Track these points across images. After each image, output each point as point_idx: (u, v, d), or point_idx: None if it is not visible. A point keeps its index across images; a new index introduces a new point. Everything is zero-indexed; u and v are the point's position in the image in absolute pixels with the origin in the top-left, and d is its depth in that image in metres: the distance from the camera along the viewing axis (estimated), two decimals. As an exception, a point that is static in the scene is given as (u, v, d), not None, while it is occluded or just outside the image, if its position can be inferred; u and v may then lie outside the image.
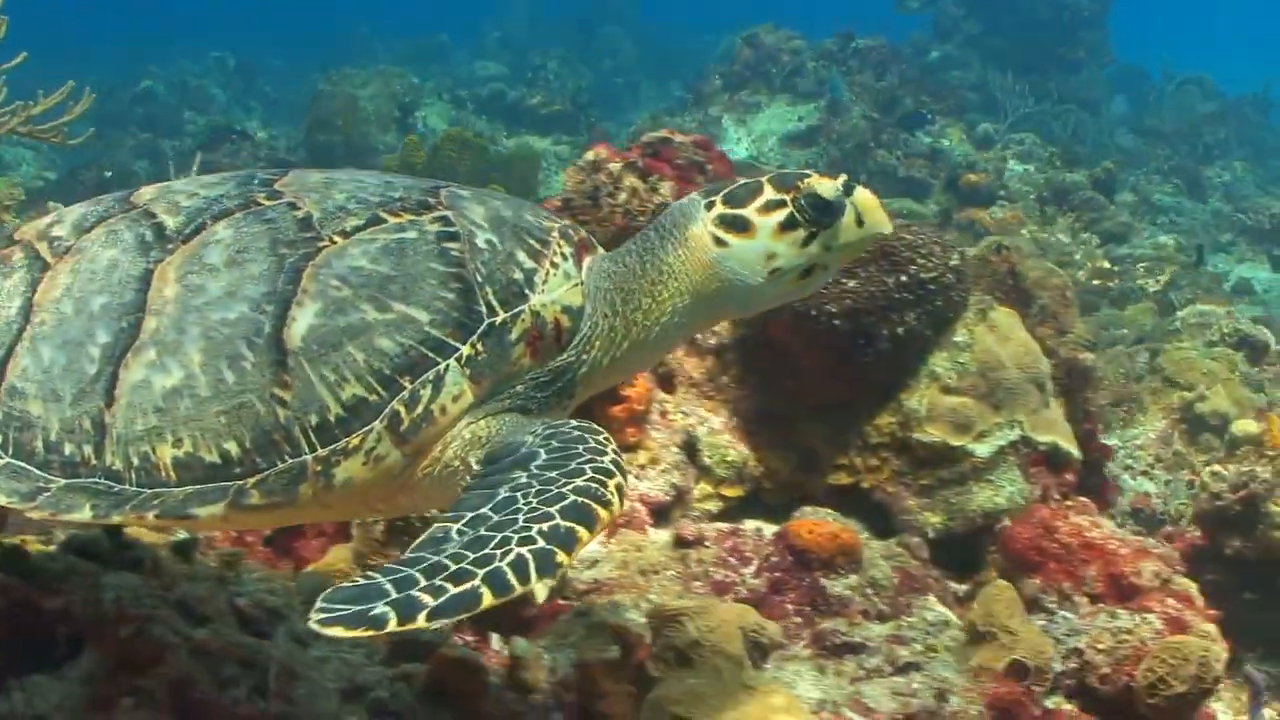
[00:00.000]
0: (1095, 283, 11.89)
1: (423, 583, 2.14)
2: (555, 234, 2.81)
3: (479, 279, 2.62)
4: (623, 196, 4.77)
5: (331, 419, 2.50)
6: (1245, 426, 7.25)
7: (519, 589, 2.14)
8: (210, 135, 15.97)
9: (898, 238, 4.31)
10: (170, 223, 2.70)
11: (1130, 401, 8.07)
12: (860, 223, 2.80)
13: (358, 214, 2.66)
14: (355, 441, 2.50)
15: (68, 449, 2.56)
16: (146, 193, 2.88)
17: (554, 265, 2.74)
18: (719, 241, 2.78)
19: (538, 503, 2.30)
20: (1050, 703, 3.57)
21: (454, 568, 2.16)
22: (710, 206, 2.82)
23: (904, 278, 4.37)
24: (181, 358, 2.53)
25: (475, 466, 2.54)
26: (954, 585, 4.39)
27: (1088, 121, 20.96)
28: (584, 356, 2.78)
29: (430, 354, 2.54)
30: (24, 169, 15.99)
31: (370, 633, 2.08)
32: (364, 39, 26.59)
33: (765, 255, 2.77)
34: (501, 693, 3.02)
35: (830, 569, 3.90)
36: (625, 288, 2.83)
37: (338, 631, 2.07)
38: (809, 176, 2.79)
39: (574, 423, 2.59)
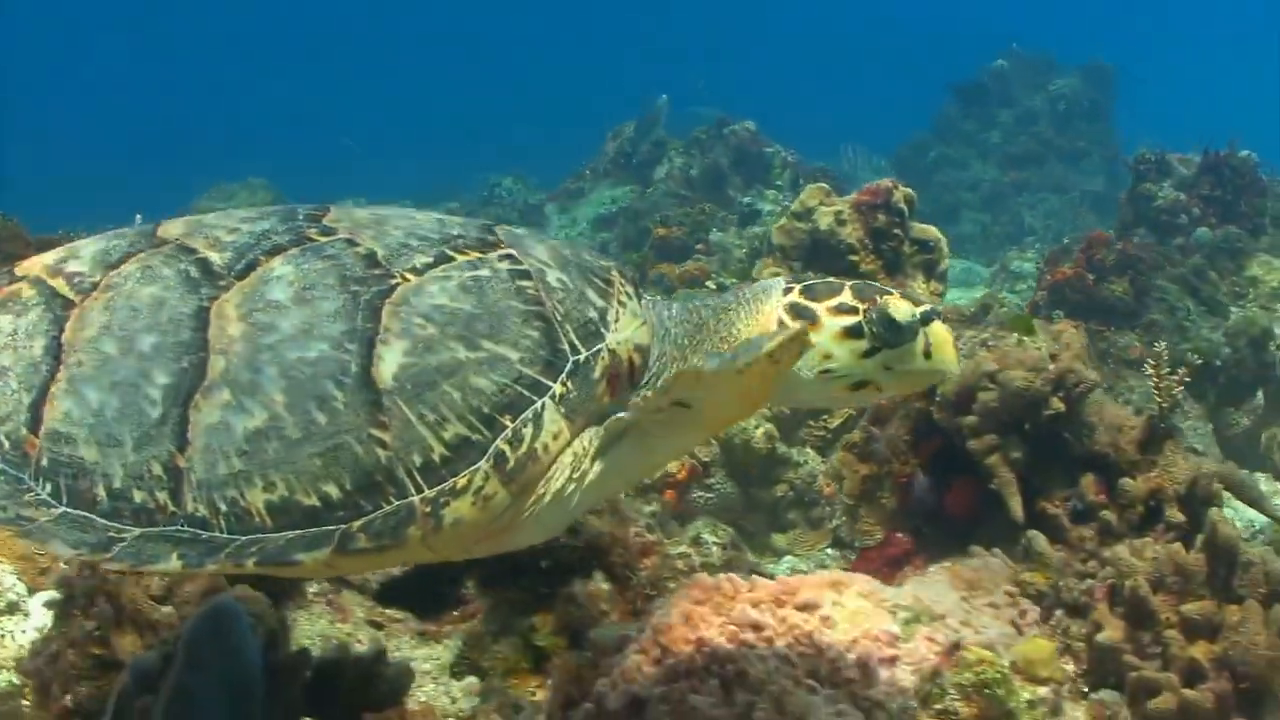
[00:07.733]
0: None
1: None
2: (615, 272, 2.81)
3: (558, 317, 2.59)
4: None
5: (436, 459, 2.41)
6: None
7: None
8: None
9: None
10: (216, 259, 2.57)
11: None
12: (928, 355, 2.75)
13: (423, 251, 2.59)
14: (463, 481, 2.42)
15: (138, 496, 2.39)
16: (174, 227, 2.72)
17: (622, 304, 2.73)
18: (783, 325, 2.74)
19: None
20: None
21: None
22: (788, 291, 2.79)
23: None
24: (262, 398, 2.39)
25: (574, 504, 2.57)
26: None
27: (1057, 206, 19.77)
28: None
29: (526, 392, 2.49)
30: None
31: None
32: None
33: (821, 354, 2.74)
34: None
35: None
36: (695, 336, 2.83)
37: None
38: (891, 294, 2.76)
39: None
